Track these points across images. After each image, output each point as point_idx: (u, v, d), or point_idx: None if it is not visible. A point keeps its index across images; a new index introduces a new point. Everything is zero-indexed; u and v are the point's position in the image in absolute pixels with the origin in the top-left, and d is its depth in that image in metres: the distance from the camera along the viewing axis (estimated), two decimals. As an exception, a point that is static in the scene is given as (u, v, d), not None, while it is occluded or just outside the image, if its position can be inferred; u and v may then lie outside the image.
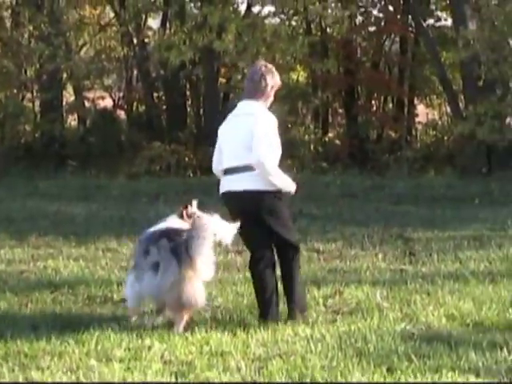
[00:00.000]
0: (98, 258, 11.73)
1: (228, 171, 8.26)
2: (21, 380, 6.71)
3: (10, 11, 27.79)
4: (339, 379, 6.57)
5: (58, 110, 23.99)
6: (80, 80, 23.87)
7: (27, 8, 24.45)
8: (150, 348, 7.52)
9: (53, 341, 7.72)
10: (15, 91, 25.24)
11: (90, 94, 24.80)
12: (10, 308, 9.01)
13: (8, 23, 27.10)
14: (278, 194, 8.24)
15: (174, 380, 6.66)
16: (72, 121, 25.36)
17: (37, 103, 25.32)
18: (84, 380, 6.72)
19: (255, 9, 25.29)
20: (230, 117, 8.45)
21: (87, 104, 24.78)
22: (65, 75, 23.84)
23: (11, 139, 24.05)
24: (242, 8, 25.42)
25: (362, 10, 25.86)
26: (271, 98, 8.46)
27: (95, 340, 7.70)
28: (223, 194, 8.35)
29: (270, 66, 8.51)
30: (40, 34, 22.89)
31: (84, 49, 25.42)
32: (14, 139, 24.11)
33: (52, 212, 15.83)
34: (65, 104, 24.79)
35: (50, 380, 6.72)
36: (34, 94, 25.48)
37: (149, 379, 6.70)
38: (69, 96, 25.56)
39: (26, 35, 24.88)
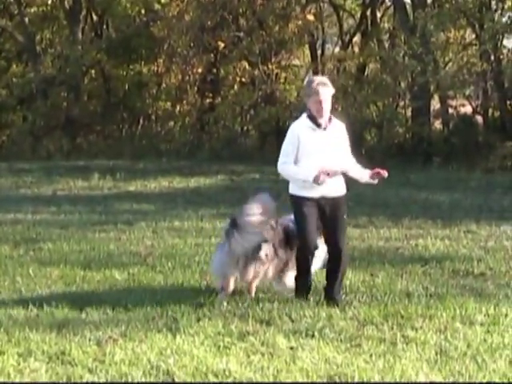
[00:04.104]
0: (461, 238, 11.54)
1: None
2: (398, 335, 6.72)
3: (388, 35, 28.12)
4: None
5: (426, 115, 23.86)
6: (445, 91, 23.60)
7: (403, 32, 24.67)
8: (506, 315, 7.31)
9: (423, 305, 7.69)
10: (391, 100, 25.51)
11: (453, 102, 24.46)
12: (387, 277, 9.05)
13: (386, 44, 27.45)
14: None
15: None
16: (438, 124, 25.15)
17: (408, 110, 25.44)
18: (451, 340, 6.63)
19: None
20: None
21: (450, 110, 24.47)
22: (432, 87, 23.65)
23: (387, 139, 24.29)
24: None
25: None
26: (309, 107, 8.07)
27: (459, 306, 7.59)
28: None
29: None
30: (413, 52, 22.85)
31: (449, 65, 25.12)
32: (389, 139, 24.30)
33: (421, 199, 15.76)
34: (432, 110, 24.65)
35: (422, 338, 6.68)
36: (407, 102, 25.58)
37: (506, 341, 6.49)
38: (435, 104, 25.35)
39: (401, 54, 24.99)
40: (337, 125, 8.12)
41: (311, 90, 7.99)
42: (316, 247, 7.95)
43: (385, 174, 7.96)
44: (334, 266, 8.03)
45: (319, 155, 7.92)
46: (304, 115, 8.10)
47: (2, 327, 7.16)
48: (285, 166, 8.06)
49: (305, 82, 8.44)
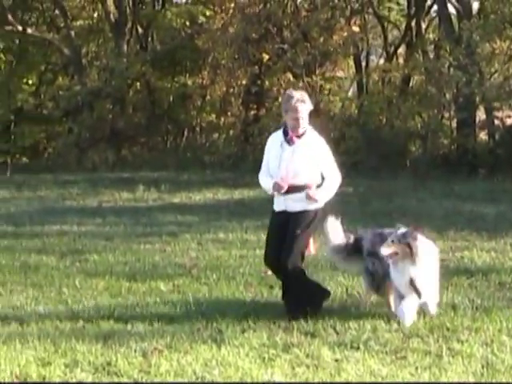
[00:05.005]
0: (507, 250, 11.38)
1: None
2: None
3: (433, 46, 28.00)
4: None
5: (471, 126, 23.70)
6: (490, 102, 23.42)
7: (448, 42, 24.57)
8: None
9: (469, 317, 7.63)
10: (436, 111, 25.36)
11: (499, 114, 24.26)
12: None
13: (431, 55, 27.32)
14: None
15: None
16: (483, 136, 24.94)
17: (453, 121, 25.27)
18: (497, 353, 6.57)
19: None
20: None
21: (496, 122, 24.27)
22: (477, 98, 23.49)
23: (432, 150, 24.14)
24: None
25: None
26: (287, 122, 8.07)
27: (506, 318, 7.52)
28: None
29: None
30: (458, 63, 22.71)
31: (494, 75, 24.90)
32: (434, 150, 24.14)
33: (466, 211, 15.60)
34: (477, 122, 24.49)
35: (468, 350, 6.63)
36: (452, 113, 25.40)
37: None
38: (480, 115, 25.15)
39: (446, 65, 24.84)
40: (309, 140, 8.00)
41: (289, 106, 8.00)
42: (274, 261, 7.96)
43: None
44: (283, 280, 8.10)
45: (280, 171, 7.98)
46: (281, 129, 8.14)
47: (48, 338, 7.25)
48: (260, 175, 8.28)
49: (284, 97, 8.29)
